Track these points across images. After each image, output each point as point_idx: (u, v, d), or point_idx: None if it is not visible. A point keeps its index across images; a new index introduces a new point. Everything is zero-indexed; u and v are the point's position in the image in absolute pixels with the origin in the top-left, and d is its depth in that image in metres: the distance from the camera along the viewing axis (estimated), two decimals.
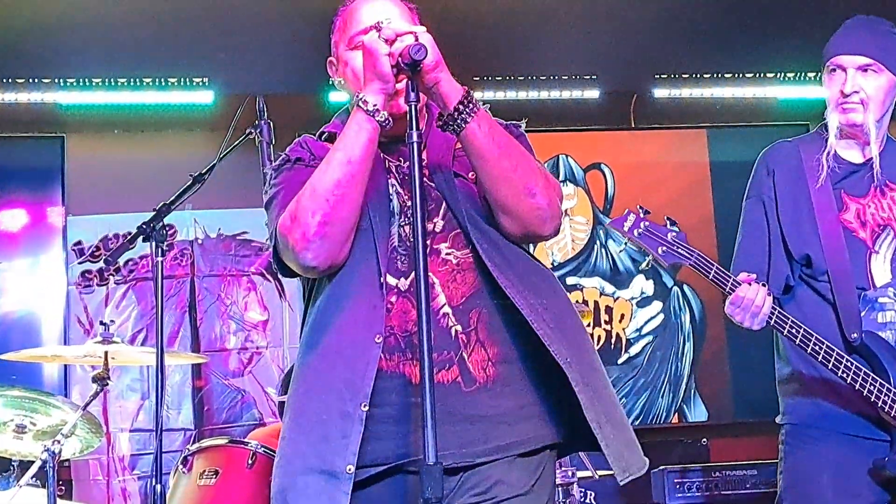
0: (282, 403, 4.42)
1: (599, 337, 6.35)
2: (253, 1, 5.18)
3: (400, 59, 1.99)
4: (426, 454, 1.82)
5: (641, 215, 2.67)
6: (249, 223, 6.01)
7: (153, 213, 3.42)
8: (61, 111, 5.99)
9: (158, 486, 3.31)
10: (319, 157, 2.15)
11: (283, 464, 2.12)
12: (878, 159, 2.88)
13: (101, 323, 3.88)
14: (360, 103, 2.05)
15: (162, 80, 5.85)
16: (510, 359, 2.13)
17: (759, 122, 6.58)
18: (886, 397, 2.72)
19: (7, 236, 6.04)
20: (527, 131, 2.31)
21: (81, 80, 5.77)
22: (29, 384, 4.12)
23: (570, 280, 6.37)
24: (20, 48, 5.39)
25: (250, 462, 3.58)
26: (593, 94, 6.35)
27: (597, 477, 4.37)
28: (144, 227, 3.39)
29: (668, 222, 2.70)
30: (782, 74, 6.34)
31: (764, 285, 2.72)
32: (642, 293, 6.48)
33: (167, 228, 3.43)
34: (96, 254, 5.97)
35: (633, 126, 6.65)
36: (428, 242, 2.07)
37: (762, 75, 6.35)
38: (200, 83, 5.92)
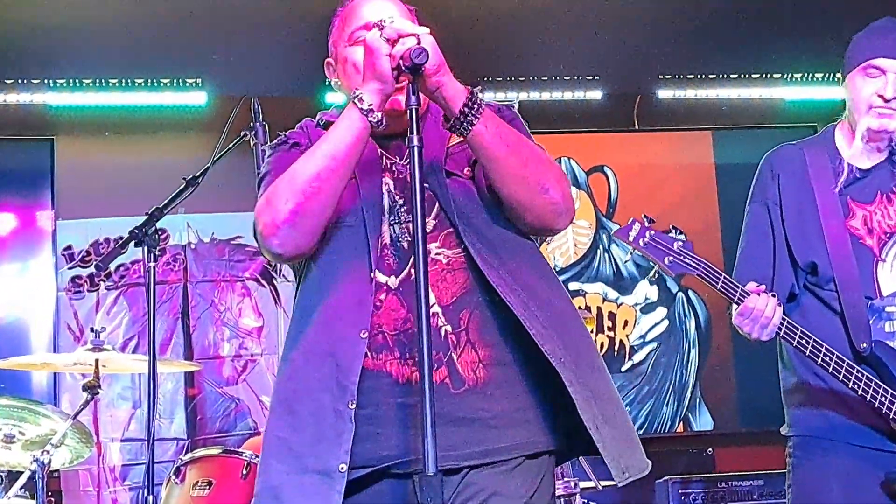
0: None
1: (602, 344, 6.36)
2: (248, 0, 5.19)
3: (401, 61, 1.99)
4: (426, 464, 1.81)
5: (646, 224, 2.65)
6: (243, 227, 5.99)
7: (145, 217, 3.43)
8: (51, 112, 6.00)
9: (150, 498, 3.31)
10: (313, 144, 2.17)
11: (274, 462, 2.10)
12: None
13: (92, 330, 3.89)
14: (356, 100, 2.06)
15: (154, 80, 5.86)
16: (505, 361, 2.12)
17: (765, 124, 6.59)
18: None
19: None
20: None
21: (71, 80, 5.78)
22: (17, 393, 4.13)
23: (573, 285, 6.38)
24: (8, 48, 5.40)
25: (244, 473, 3.59)
26: (596, 95, 6.36)
27: (600, 487, 4.36)
28: (136, 231, 3.40)
29: (673, 231, 2.69)
30: (790, 75, 6.35)
31: (773, 296, 2.71)
32: (646, 299, 6.48)
33: (159, 233, 3.45)
34: (87, 259, 5.97)
35: (636, 128, 6.66)
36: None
37: (769, 76, 6.37)
38: (193, 84, 5.93)
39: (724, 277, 2.68)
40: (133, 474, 5.79)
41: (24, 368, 5.09)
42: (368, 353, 2.07)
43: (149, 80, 5.85)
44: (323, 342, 2.10)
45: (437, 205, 2.16)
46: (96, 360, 3.74)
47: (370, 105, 2.05)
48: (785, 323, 2.70)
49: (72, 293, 5.97)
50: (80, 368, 3.95)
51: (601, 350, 6.24)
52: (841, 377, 2.70)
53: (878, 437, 2.77)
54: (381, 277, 2.12)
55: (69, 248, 6.01)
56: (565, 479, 4.17)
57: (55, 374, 5.75)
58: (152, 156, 6.13)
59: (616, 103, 6.51)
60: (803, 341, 2.70)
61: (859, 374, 2.71)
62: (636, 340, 6.44)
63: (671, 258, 2.64)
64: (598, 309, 6.42)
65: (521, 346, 2.11)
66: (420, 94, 2.00)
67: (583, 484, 4.31)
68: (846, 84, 2.89)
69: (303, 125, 2.33)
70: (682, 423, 6.42)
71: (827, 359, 2.70)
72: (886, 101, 2.78)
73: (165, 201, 3.48)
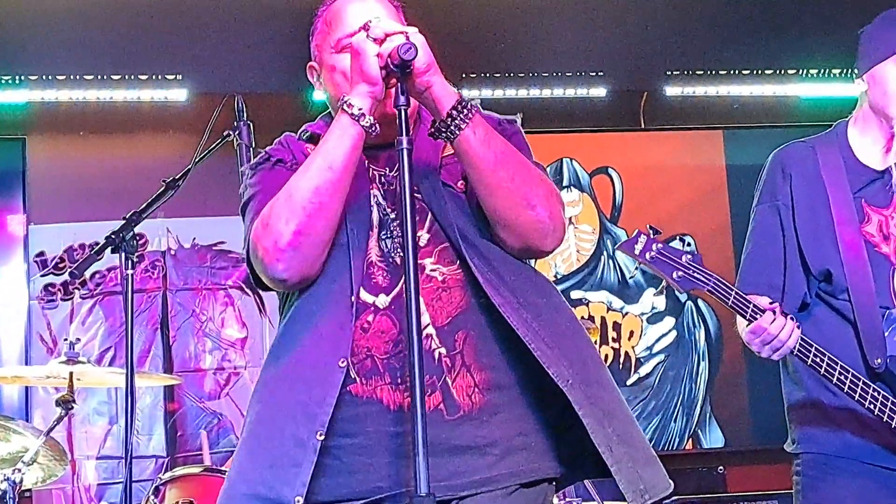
0: None
1: (607, 356, 6.36)
2: None
3: (389, 59, 2.00)
4: (417, 485, 1.82)
5: (652, 236, 2.62)
6: (227, 232, 6.01)
7: (122, 222, 3.42)
8: (22, 111, 6.00)
9: None
10: (300, 160, 2.16)
11: (226, 487, 2.11)
12: None
13: (66, 341, 3.88)
14: (346, 106, 2.05)
15: (132, 76, 5.87)
16: (503, 384, 2.11)
17: (779, 122, 6.60)
18: None
19: None
20: (527, 132, 2.31)
21: (43, 76, 5.78)
22: None
23: (575, 294, 6.38)
24: None
25: None
26: (600, 92, 6.38)
27: None
28: (113, 236, 3.39)
29: (681, 242, 2.68)
30: (805, 71, 6.37)
31: (792, 319, 2.69)
32: (653, 308, 6.49)
33: (138, 238, 3.44)
34: (60, 266, 5.97)
35: (642, 127, 6.67)
36: None
37: (783, 72, 6.39)
38: (174, 80, 5.94)
39: (736, 292, 2.65)
40: (109, 494, 5.79)
41: None
42: (358, 379, 2.07)
43: (126, 76, 5.86)
44: (298, 368, 2.09)
45: (429, 215, 2.15)
46: (70, 374, 3.74)
47: (361, 109, 2.04)
48: (798, 341, 2.68)
49: (44, 302, 5.97)
50: (54, 382, 3.95)
51: (605, 363, 6.25)
52: (857, 397, 2.69)
53: (893, 457, 2.77)
54: (368, 297, 2.11)
55: (42, 254, 6.01)
56: (567, 500, 4.17)
57: (27, 387, 5.76)
58: (130, 156, 6.14)
59: (621, 101, 6.52)
60: (818, 359, 2.68)
61: (875, 394, 2.70)
62: (642, 352, 6.45)
63: (680, 273, 2.61)
64: (602, 319, 6.43)
65: (521, 367, 2.11)
66: (410, 96, 2.00)
67: None
68: (870, 76, 2.86)
69: (282, 140, 2.30)
70: (691, 439, 6.43)
71: (842, 377, 2.68)
72: None
73: (144, 205, 3.48)
